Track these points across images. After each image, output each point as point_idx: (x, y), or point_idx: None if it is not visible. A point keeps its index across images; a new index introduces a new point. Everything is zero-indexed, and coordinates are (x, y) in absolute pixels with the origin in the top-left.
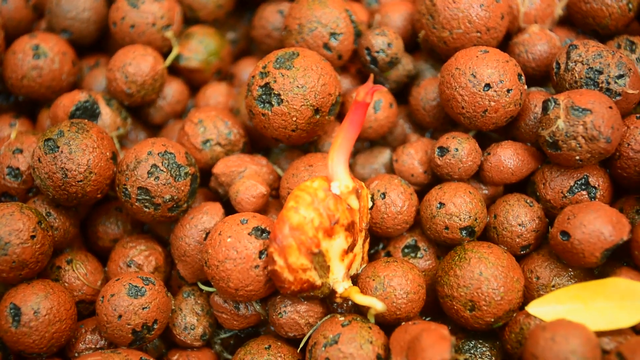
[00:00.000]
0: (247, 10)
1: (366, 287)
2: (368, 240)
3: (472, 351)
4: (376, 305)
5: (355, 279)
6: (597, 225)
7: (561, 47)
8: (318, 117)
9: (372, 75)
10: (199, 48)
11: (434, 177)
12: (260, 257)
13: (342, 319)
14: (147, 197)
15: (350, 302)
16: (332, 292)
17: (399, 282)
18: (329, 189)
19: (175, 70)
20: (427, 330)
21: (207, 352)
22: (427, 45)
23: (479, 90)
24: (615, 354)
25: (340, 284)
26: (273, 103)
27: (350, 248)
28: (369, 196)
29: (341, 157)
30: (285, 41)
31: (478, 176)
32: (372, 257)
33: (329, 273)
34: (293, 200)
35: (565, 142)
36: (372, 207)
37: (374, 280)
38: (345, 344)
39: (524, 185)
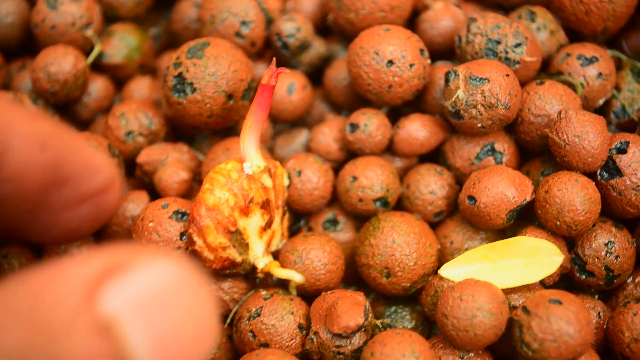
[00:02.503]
0: (168, 5)
1: (286, 261)
2: (287, 217)
3: (392, 316)
4: (295, 277)
5: (276, 255)
6: (500, 188)
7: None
8: (232, 102)
9: (274, 59)
10: (121, 45)
11: (349, 154)
12: (181, 239)
13: (265, 292)
14: None
15: (274, 278)
16: (253, 268)
17: (316, 255)
18: (241, 170)
19: (99, 67)
20: (342, 297)
21: None
22: (337, 28)
23: (383, 67)
24: (522, 309)
25: (260, 260)
26: (187, 92)
27: (268, 225)
28: (285, 174)
29: (252, 138)
30: (200, 32)
31: (391, 150)
32: (294, 233)
33: (248, 250)
34: (208, 183)
35: (466, 111)
36: (289, 185)
37: (292, 254)
38: (267, 316)
39: (437, 155)
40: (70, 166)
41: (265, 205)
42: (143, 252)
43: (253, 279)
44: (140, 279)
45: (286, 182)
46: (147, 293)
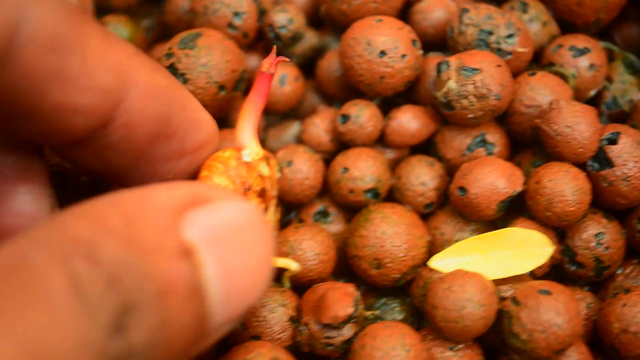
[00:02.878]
0: None
1: (278, 253)
2: (279, 209)
3: (382, 308)
4: (291, 265)
5: None
6: (491, 178)
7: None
8: (224, 93)
9: (274, 47)
10: None
11: (341, 145)
12: None
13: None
14: None
15: None
16: None
17: (308, 245)
18: (240, 157)
19: None
20: (332, 288)
21: None
22: (330, 19)
23: (375, 58)
24: (511, 300)
25: None
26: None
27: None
28: (277, 167)
29: (250, 126)
30: (193, 23)
31: (383, 141)
32: (285, 225)
33: None
34: (206, 170)
35: (458, 102)
36: (280, 177)
37: (284, 245)
38: (258, 308)
39: (428, 147)
40: (179, 120)
41: (262, 194)
42: (222, 190)
43: None
44: (218, 213)
45: (278, 174)
46: (223, 227)
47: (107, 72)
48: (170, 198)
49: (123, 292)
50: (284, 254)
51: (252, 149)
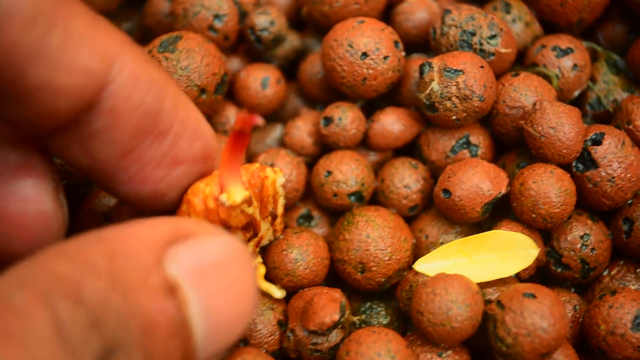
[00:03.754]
0: (140, 0)
1: (286, 260)
2: (280, 217)
3: (367, 312)
4: (275, 293)
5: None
6: (475, 181)
7: None
8: (205, 97)
9: (245, 108)
10: None
11: (324, 148)
12: None
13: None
14: None
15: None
16: None
17: (314, 250)
18: (219, 200)
19: None
20: (319, 294)
21: None
22: (312, 21)
23: (357, 60)
24: (496, 303)
25: None
26: None
27: (252, 237)
28: (279, 177)
29: (229, 172)
30: (173, 26)
31: (366, 144)
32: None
33: None
34: (185, 205)
35: (441, 103)
36: (283, 182)
37: (292, 252)
38: None
39: (412, 149)
40: (171, 119)
41: (247, 227)
42: (204, 225)
43: None
44: (200, 249)
45: (280, 181)
46: (206, 263)
47: (91, 53)
48: (153, 234)
49: (107, 333)
50: (294, 261)
51: (231, 196)
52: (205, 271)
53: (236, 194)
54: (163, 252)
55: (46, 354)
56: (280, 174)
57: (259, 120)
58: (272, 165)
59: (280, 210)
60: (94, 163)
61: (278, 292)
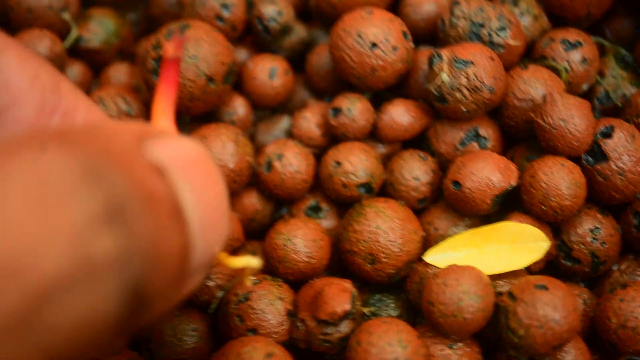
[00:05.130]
0: None
1: (273, 247)
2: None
3: (377, 304)
4: (251, 262)
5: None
6: (485, 172)
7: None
8: (213, 86)
9: (175, 29)
10: (99, 29)
11: (332, 139)
12: None
13: (253, 278)
14: None
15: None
16: None
17: (303, 233)
18: None
19: (77, 52)
20: (329, 284)
21: None
22: (319, 12)
23: (366, 50)
24: (507, 295)
25: None
26: None
27: None
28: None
29: (164, 121)
30: (180, 16)
31: (375, 136)
32: (276, 221)
33: None
34: None
35: (451, 95)
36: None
37: (278, 238)
38: (256, 301)
39: (421, 141)
40: (75, 98)
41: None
42: (167, 130)
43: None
44: (174, 146)
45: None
46: (183, 158)
47: None
48: (123, 127)
49: (110, 189)
50: (281, 247)
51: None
52: (185, 163)
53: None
54: (141, 142)
55: (26, 195)
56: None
57: (184, 37)
58: (280, 156)
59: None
60: None
61: (255, 260)
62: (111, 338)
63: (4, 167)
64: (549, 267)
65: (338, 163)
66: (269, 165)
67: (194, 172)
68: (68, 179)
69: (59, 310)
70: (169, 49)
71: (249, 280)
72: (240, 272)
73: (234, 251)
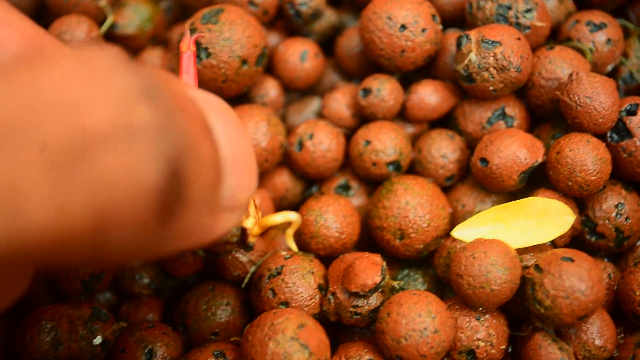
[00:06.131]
0: None
1: (305, 223)
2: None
3: (405, 279)
4: (290, 216)
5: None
6: (512, 149)
7: None
8: (246, 68)
9: (186, 26)
10: (133, 16)
11: (361, 120)
12: None
13: (284, 253)
14: None
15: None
16: (243, 230)
17: (334, 209)
18: None
19: (112, 38)
20: (360, 257)
21: (156, 301)
22: None
23: (396, 32)
24: (534, 267)
25: (248, 220)
26: (202, 57)
27: None
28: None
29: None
30: (213, 2)
31: (403, 116)
32: (306, 199)
33: None
34: None
35: (479, 74)
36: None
37: (310, 215)
38: (288, 275)
39: (448, 122)
40: None
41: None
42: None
43: (245, 247)
44: (203, 93)
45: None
46: (214, 103)
47: None
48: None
49: (147, 78)
50: (313, 223)
51: None
52: (216, 107)
53: None
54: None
55: (78, 65)
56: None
57: (200, 35)
58: (311, 136)
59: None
60: None
61: (293, 215)
62: (146, 219)
63: (57, 56)
64: (574, 242)
65: (368, 142)
66: (301, 145)
67: (223, 115)
68: (112, 62)
69: (103, 159)
70: (183, 45)
71: (292, 243)
72: (283, 228)
73: (266, 229)
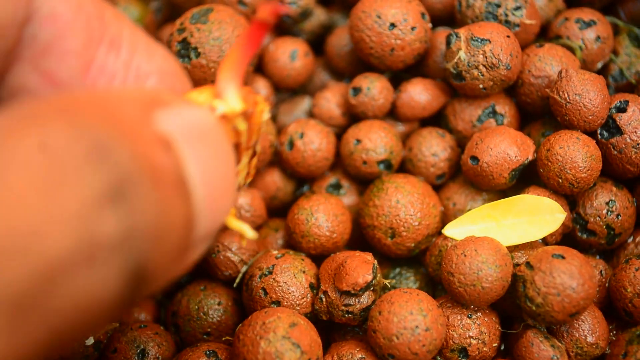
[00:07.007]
0: None
1: (296, 222)
2: (256, 157)
3: (397, 278)
4: (247, 232)
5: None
6: (503, 147)
7: None
8: None
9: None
10: None
11: (352, 119)
12: None
13: (276, 252)
14: None
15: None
16: None
17: (325, 208)
18: (212, 108)
19: None
20: (351, 256)
21: (148, 301)
22: None
23: (385, 30)
24: (525, 264)
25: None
26: (191, 57)
27: None
28: (266, 109)
29: (232, 76)
30: (202, 2)
31: (393, 115)
32: (298, 198)
33: None
34: None
35: (468, 72)
36: (265, 125)
37: (301, 213)
38: (279, 274)
39: (438, 120)
40: (119, 27)
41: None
42: (180, 97)
43: None
44: (184, 115)
45: (266, 115)
46: (192, 127)
47: None
48: (133, 94)
49: (114, 166)
50: (304, 222)
51: (229, 102)
52: (193, 135)
53: (235, 100)
54: (150, 111)
55: (40, 175)
56: (266, 107)
57: (288, 9)
58: (302, 135)
59: (258, 148)
60: (59, 90)
61: (250, 232)
62: (112, 314)
63: (7, 143)
64: (565, 240)
65: (358, 140)
66: (291, 144)
67: (201, 142)
68: (73, 156)
69: (64, 289)
70: (264, 10)
71: (297, 269)
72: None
73: (257, 228)
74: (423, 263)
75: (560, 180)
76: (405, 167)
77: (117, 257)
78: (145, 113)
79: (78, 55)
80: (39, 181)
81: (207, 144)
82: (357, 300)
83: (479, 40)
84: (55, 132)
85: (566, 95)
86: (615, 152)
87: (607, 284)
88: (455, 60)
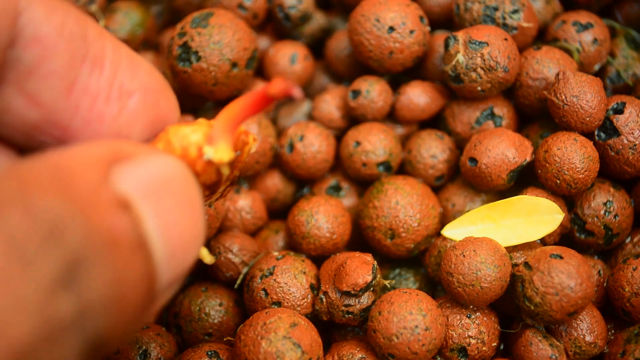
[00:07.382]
0: None
1: (296, 224)
2: (233, 185)
3: (396, 278)
4: (205, 257)
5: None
6: (501, 148)
7: None
8: (236, 71)
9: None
10: (124, 21)
11: (351, 121)
12: None
13: (277, 253)
14: None
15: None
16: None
17: (325, 210)
18: (201, 151)
19: None
20: (351, 257)
21: None
22: (338, 0)
23: (384, 34)
24: (523, 264)
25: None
26: (192, 60)
27: (208, 197)
28: (254, 145)
29: (229, 126)
30: (203, 6)
31: (392, 117)
32: (297, 200)
33: None
34: (163, 143)
35: (466, 75)
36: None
37: (302, 216)
38: (280, 275)
39: (437, 122)
40: (101, 45)
41: (212, 186)
42: (143, 146)
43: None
44: (145, 167)
45: (253, 149)
46: (153, 180)
47: None
48: (92, 154)
49: (68, 247)
50: (304, 224)
51: (218, 152)
52: (154, 189)
53: (225, 152)
54: (107, 170)
55: None
56: (255, 143)
57: (297, 92)
58: (302, 137)
59: (236, 173)
60: (43, 111)
61: (208, 257)
62: None
63: None
64: (563, 240)
65: (358, 143)
66: (291, 146)
67: (163, 194)
68: (30, 242)
69: None
70: (277, 86)
71: (297, 270)
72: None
73: (258, 230)
74: (422, 264)
75: (558, 181)
76: (404, 168)
77: (74, 335)
78: (102, 175)
79: (61, 77)
80: (0, 270)
81: (170, 194)
82: (357, 300)
83: (477, 43)
84: (12, 219)
85: (564, 97)
86: (613, 153)
87: (605, 284)
88: (454, 63)
